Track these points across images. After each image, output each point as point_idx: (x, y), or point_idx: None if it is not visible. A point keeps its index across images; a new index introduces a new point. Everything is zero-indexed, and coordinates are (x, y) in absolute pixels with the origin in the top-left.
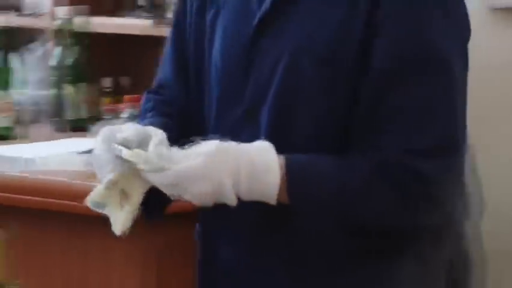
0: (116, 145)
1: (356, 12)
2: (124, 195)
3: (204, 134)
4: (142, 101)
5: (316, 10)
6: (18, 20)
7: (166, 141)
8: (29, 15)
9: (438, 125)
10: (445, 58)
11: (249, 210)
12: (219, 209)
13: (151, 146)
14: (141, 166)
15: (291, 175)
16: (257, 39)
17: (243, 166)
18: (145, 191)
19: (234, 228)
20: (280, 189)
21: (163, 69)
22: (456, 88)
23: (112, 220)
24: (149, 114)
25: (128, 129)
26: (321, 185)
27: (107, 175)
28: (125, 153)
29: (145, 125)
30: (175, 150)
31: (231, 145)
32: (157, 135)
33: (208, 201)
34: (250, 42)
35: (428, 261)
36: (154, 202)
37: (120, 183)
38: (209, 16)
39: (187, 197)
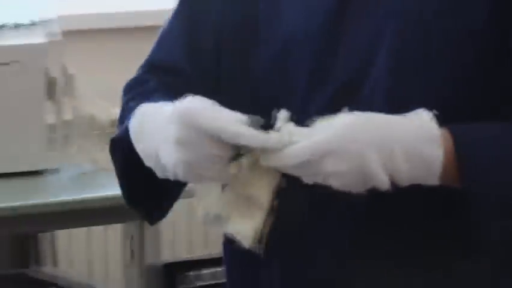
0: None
1: None
2: (246, 198)
3: None
4: (130, 81)
5: None
6: None
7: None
8: None
9: None
10: None
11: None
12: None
13: (280, 123)
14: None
15: (457, 139)
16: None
17: (396, 137)
18: (273, 188)
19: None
20: (446, 164)
21: (166, 49)
22: None
23: (234, 231)
24: (159, 94)
25: (216, 110)
26: (497, 145)
27: (219, 174)
28: (264, 138)
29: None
30: (302, 128)
31: (378, 115)
32: (282, 112)
33: (353, 184)
34: (338, 4)
35: None
36: (159, 200)
37: (241, 184)
38: None
39: (323, 178)
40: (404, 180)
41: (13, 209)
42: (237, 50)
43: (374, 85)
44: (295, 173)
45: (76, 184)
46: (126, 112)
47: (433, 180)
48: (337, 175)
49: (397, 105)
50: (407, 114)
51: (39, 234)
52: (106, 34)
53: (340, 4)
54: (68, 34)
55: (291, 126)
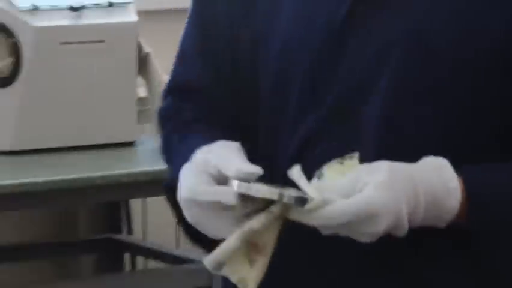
0: (246, 183)
1: None
2: (253, 246)
3: (254, 144)
4: (166, 109)
5: None
6: None
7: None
8: None
9: None
10: None
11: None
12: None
13: (298, 179)
14: (312, 205)
15: (472, 199)
16: (353, 15)
17: (421, 190)
18: (277, 235)
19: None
20: (458, 214)
21: (186, 69)
22: None
23: (236, 278)
24: (200, 129)
25: (230, 158)
26: (505, 204)
27: (239, 225)
28: (307, 190)
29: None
30: (325, 182)
31: (402, 165)
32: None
33: (375, 239)
34: (341, 22)
35: None
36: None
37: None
38: None
39: (357, 236)
40: (416, 225)
41: (106, 177)
42: (247, 60)
43: (371, 111)
44: (324, 229)
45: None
46: (170, 147)
47: (441, 224)
48: (373, 235)
49: (393, 134)
50: (424, 159)
51: (130, 202)
52: (179, 14)
53: (343, 23)
54: (143, 14)
55: (316, 182)
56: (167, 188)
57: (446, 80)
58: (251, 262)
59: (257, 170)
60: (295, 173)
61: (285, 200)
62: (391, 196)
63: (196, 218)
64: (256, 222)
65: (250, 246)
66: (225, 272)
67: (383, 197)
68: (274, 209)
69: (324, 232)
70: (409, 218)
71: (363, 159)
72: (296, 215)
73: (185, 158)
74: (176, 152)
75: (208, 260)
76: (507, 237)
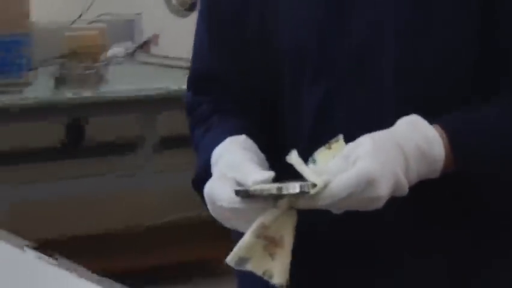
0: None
1: None
2: (270, 240)
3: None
4: (187, 104)
5: None
6: None
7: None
8: None
9: None
10: None
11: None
12: None
13: (297, 165)
14: (316, 190)
15: (454, 139)
16: None
17: (406, 148)
18: (293, 228)
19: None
20: (446, 159)
21: (201, 63)
22: None
23: (261, 271)
24: (214, 122)
25: (243, 167)
26: (487, 138)
27: (254, 219)
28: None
29: (221, 138)
30: (314, 165)
31: (382, 132)
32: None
33: (382, 203)
34: None
35: None
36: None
37: (263, 228)
38: None
39: (365, 205)
40: (413, 180)
41: None
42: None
43: (387, 60)
44: (335, 209)
45: None
46: (195, 143)
47: (435, 175)
48: (378, 199)
49: (405, 76)
50: (398, 121)
51: None
52: None
53: None
54: None
55: (313, 167)
56: (194, 184)
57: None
58: (271, 256)
59: (270, 174)
60: (294, 158)
61: (284, 191)
62: (382, 160)
63: (217, 216)
64: (266, 217)
65: (267, 241)
66: (249, 267)
67: (375, 162)
68: (281, 203)
69: (335, 211)
70: (405, 176)
71: (383, 116)
72: (304, 203)
73: (202, 159)
74: (198, 151)
75: (230, 258)
76: (494, 171)
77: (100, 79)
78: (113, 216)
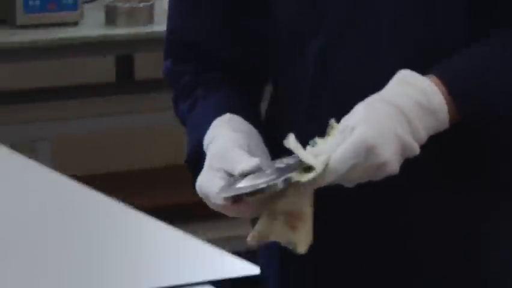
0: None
1: None
2: (289, 215)
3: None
4: (168, 73)
5: None
6: None
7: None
8: None
9: None
10: None
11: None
12: None
13: (295, 149)
14: (317, 172)
15: (451, 85)
16: None
17: (403, 106)
18: (310, 200)
19: None
20: (449, 108)
21: (179, 27)
22: None
23: (284, 242)
24: (199, 97)
25: (233, 155)
26: (486, 78)
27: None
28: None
29: (207, 116)
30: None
31: (374, 96)
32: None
33: (398, 164)
34: None
35: None
36: None
37: (281, 205)
38: None
39: (374, 173)
40: (422, 137)
41: None
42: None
43: (378, 19)
44: (344, 182)
45: None
46: (181, 115)
47: (444, 126)
48: (386, 165)
49: (403, 38)
50: (391, 80)
51: None
52: None
53: None
54: None
55: (311, 149)
56: (188, 162)
57: None
58: (293, 228)
59: (256, 162)
60: (291, 142)
61: (271, 189)
62: (378, 124)
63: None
64: (274, 203)
65: (286, 216)
66: (272, 239)
67: (370, 128)
68: (279, 185)
69: (348, 185)
70: (412, 136)
71: (380, 61)
72: (310, 185)
73: (193, 140)
74: (186, 128)
75: (250, 238)
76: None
77: (150, 16)
78: (161, 151)
